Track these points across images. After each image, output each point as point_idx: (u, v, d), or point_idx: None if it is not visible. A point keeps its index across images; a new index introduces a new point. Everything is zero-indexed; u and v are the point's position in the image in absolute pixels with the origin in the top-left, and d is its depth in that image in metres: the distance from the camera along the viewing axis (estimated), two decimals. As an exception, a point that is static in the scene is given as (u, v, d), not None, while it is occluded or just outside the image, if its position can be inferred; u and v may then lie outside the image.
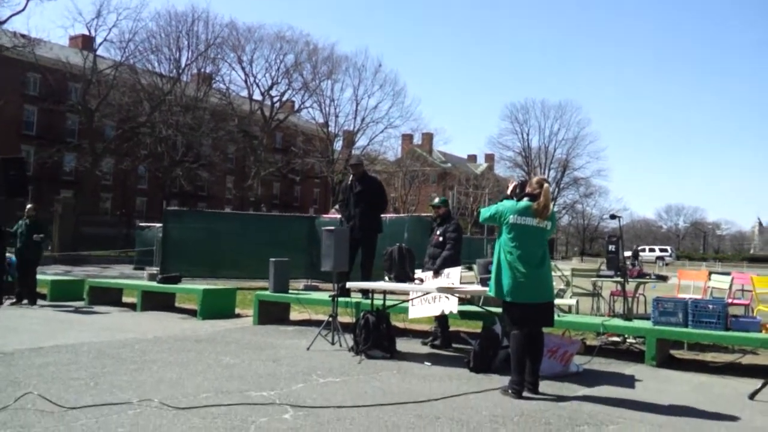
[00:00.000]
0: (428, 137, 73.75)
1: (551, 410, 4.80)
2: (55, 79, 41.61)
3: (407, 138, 69.60)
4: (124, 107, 42.30)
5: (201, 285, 11.70)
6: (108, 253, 31.04)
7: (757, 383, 5.46)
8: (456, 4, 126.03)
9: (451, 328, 7.82)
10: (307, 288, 14.55)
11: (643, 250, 55.19)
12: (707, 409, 4.97)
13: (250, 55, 50.13)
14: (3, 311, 10.30)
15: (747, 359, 7.16)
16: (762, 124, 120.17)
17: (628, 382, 5.90)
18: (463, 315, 7.57)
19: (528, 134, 75.83)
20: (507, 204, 5.54)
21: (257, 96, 51.51)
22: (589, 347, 7.11)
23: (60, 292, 12.21)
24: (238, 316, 10.34)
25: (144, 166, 48.02)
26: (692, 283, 9.94)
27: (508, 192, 5.74)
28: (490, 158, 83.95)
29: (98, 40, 40.66)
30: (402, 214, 30.78)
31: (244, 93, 51.39)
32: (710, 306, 6.66)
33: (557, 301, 7.44)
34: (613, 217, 8.52)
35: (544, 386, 5.38)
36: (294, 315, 10.08)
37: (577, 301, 9.01)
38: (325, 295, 9.15)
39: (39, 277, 11.87)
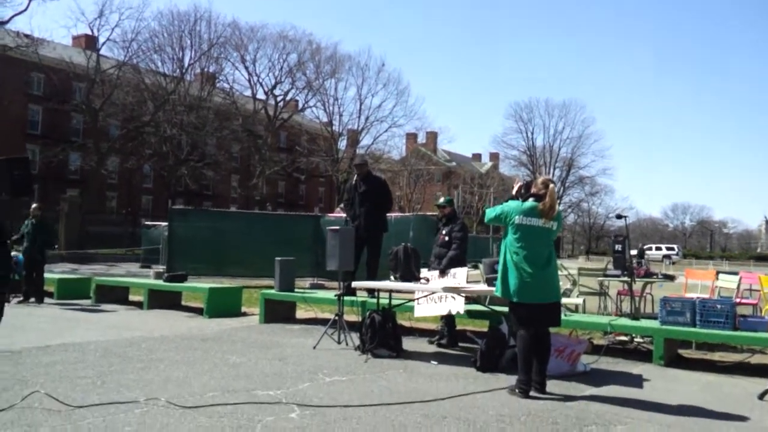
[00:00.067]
0: (432, 136, 73.69)
1: (558, 410, 4.78)
2: (59, 78, 41.66)
3: (411, 137, 69.53)
4: (128, 107, 42.34)
5: (207, 284, 11.72)
6: (114, 251, 31.12)
7: (766, 383, 5.44)
8: (459, 2, 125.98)
9: (458, 327, 7.80)
10: (313, 286, 14.56)
11: (650, 249, 55.08)
12: (716, 409, 4.94)
13: (253, 55, 50.18)
14: (10, 309, 10.27)
15: (756, 359, 7.12)
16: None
17: (636, 381, 5.88)
18: (470, 314, 7.56)
19: (532, 133, 75.76)
20: (512, 204, 5.52)
21: (261, 95, 51.57)
22: (596, 347, 7.10)
23: (67, 291, 12.25)
24: (245, 314, 10.35)
25: (149, 165, 48.09)
26: (699, 282, 9.90)
27: (514, 192, 5.72)
28: (494, 157, 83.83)
29: (101, 39, 40.69)
30: (407, 213, 30.77)
31: (248, 92, 51.43)
32: (718, 306, 6.63)
33: (564, 300, 7.41)
34: (619, 217, 8.49)
35: (552, 386, 5.36)
36: (300, 313, 10.08)
37: (584, 301, 8.98)
38: (330, 294, 9.15)
39: (46, 275, 11.91)
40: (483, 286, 7.07)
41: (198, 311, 10.45)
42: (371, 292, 8.26)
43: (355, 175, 9.34)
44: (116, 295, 11.98)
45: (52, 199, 33.88)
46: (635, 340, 7.69)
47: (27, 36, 36.16)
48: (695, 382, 6.00)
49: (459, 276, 7.08)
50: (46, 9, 49.46)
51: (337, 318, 7.51)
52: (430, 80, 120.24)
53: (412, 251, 7.57)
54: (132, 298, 12.11)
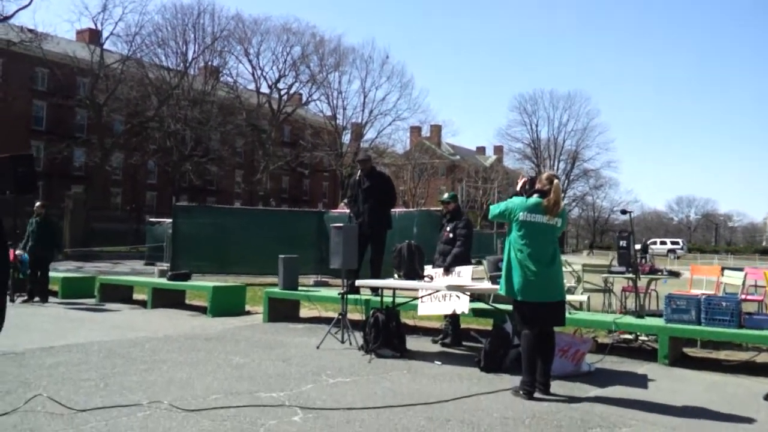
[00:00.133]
0: (437, 129, 73.52)
1: (563, 412, 4.75)
2: (63, 73, 41.70)
3: (415, 130, 69.43)
4: (132, 101, 42.37)
5: (211, 282, 11.71)
6: (119, 248, 31.19)
7: (771, 383, 5.40)
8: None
9: (462, 326, 7.78)
10: (317, 284, 14.56)
11: (654, 243, 54.93)
12: (721, 410, 4.91)
13: (256, 48, 50.12)
14: (15, 309, 10.32)
15: (762, 357, 7.07)
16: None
17: (641, 381, 5.85)
18: (474, 312, 7.53)
19: (537, 125, 75.42)
20: (516, 201, 5.48)
21: (264, 89, 51.52)
22: (601, 345, 7.06)
23: (71, 290, 12.26)
24: (248, 313, 10.35)
25: (153, 160, 48.15)
26: (705, 278, 9.85)
27: (518, 188, 5.68)
28: (499, 150, 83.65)
29: (105, 34, 40.70)
30: (411, 209, 30.75)
31: (252, 86, 51.43)
32: (723, 303, 6.59)
33: (568, 298, 7.38)
34: (624, 212, 8.46)
35: (556, 386, 5.34)
36: (304, 312, 10.07)
37: (589, 298, 8.94)
38: (334, 292, 9.13)
39: (50, 274, 11.91)
40: (487, 284, 7.04)
41: (202, 310, 10.45)
42: (375, 290, 8.24)
43: (359, 171, 9.31)
44: (120, 293, 11.99)
45: (56, 196, 34.03)
46: (640, 338, 7.65)
47: (31, 31, 36.16)
48: (700, 381, 5.96)
49: (464, 274, 7.05)
50: (50, 3, 49.69)
51: (340, 317, 7.49)
52: (434, 73, 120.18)
53: (416, 249, 7.55)
54: (136, 296, 12.12)
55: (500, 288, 5.49)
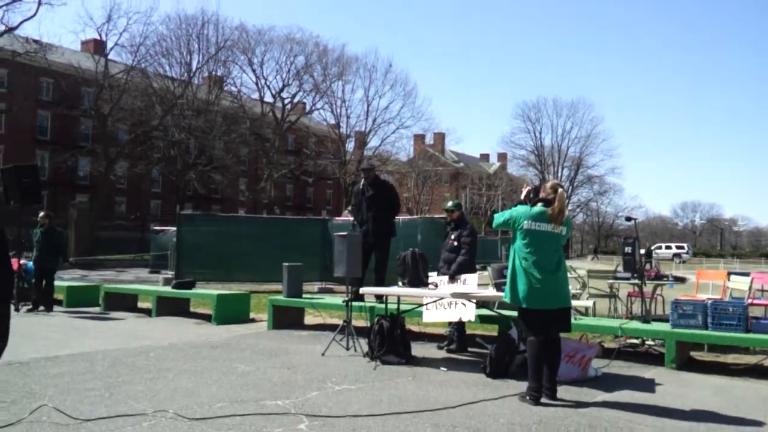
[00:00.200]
0: (440, 137, 73.64)
1: (570, 417, 4.73)
2: (67, 84, 41.88)
3: (419, 138, 69.49)
4: (137, 111, 42.51)
5: (215, 290, 11.71)
6: (124, 257, 31.22)
7: (780, 387, 5.36)
8: (465, 2, 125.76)
9: (467, 332, 7.75)
10: (322, 291, 14.56)
11: (660, 248, 54.77)
12: (729, 414, 4.88)
13: (260, 58, 50.30)
14: (20, 318, 10.32)
15: (769, 361, 7.03)
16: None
17: (648, 386, 5.81)
18: (479, 318, 7.50)
19: (540, 133, 75.54)
20: (521, 209, 5.46)
21: (268, 98, 51.68)
22: (607, 350, 7.03)
23: (76, 299, 12.26)
24: (253, 320, 10.33)
25: (157, 169, 48.26)
26: (711, 282, 9.81)
27: (522, 197, 5.67)
28: (502, 157, 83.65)
29: (109, 44, 40.83)
30: (415, 216, 30.73)
31: (256, 95, 51.56)
32: (730, 308, 6.55)
33: (574, 303, 7.34)
34: (628, 219, 8.45)
35: (563, 392, 5.31)
36: (308, 319, 10.06)
37: (594, 303, 8.90)
38: (339, 299, 9.12)
39: (56, 283, 11.92)
40: (492, 291, 7.02)
41: (206, 318, 10.45)
42: (379, 297, 8.23)
43: (362, 180, 9.31)
44: (125, 302, 11.99)
45: (61, 205, 34.08)
46: (647, 342, 7.62)
47: (36, 42, 36.33)
48: (708, 386, 5.92)
49: (470, 282, 7.02)
50: (54, 15, 49.79)
51: (345, 324, 7.48)
52: (437, 81, 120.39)
53: (420, 256, 7.53)
54: (141, 305, 12.12)
55: (505, 296, 5.48)
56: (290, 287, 9.35)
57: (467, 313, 6.80)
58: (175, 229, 18.03)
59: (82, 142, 46.51)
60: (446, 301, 7.02)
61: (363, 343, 7.17)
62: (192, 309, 11.60)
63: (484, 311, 7.41)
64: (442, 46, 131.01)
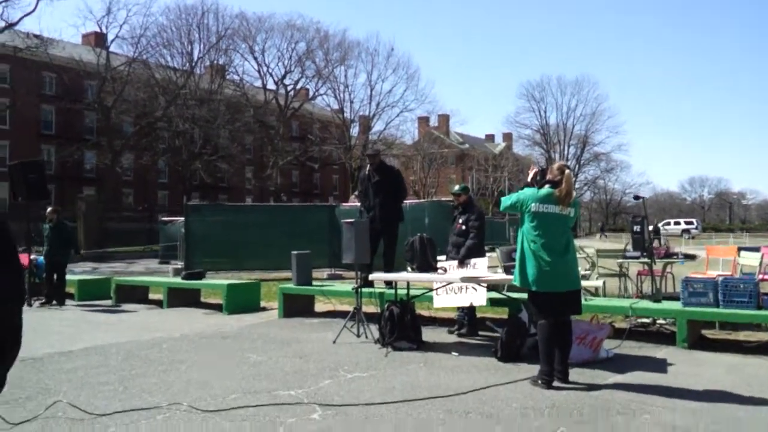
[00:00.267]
0: (444, 119, 73.35)
1: (583, 400, 4.73)
2: (70, 77, 41.90)
3: (423, 121, 69.27)
4: (140, 103, 42.55)
5: (225, 279, 11.75)
6: (134, 249, 31.37)
7: (793, 364, 5.34)
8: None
9: (477, 315, 7.75)
10: (331, 277, 14.59)
11: (668, 224, 54.58)
12: (743, 393, 4.86)
13: (261, 45, 50.21)
14: (32, 313, 10.40)
15: (781, 337, 7.01)
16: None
17: (660, 366, 5.80)
18: (489, 301, 7.49)
19: (545, 111, 75.20)
20: (528, 192, 5.43)
21: (271, 85, 51.62)
22: (618, 330, 7.02)
23: (88, 292, 12.34)
24: (264, 309, 10.37)
25: (163, 160, 48.36)
26: (721, 258, 9.77)
27: (529, 179, 5.63)
28: (508, 137, 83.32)
29: (110, 36, 40.86)
30: (422, 199, 30.68)
31: (258, 83, 51.46)
32: (741, 285, 6.52)
33: (584, 283, 7.33)
34: (636, 198, 8.40)
35: (575, 374, 5.31)
36: (319, 306, 10.08)
37: (604, 283, 8.88)
38: (348, 285, 9.13)
39: (67, 276, 11.99)
40: (501, 275, 7.00)
41: (217, 308, 10.49)
42: (389, 283, 8.23)
43: (368, 166, 9.28)
44: (136, 294, 12.06)
45: (69, 199, 34.24)
46: (658, 322, 7.60)
47: (37, 36, 36.34)
48: (720, 364, 5.91)
49: (479, 266, 7.01)
50: (54, 9, 49.89)
51: (355, 311, 7.49)
52: (439, 63, 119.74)
53: (428, 241, 7.51)
54: (152, 296, 12.18)
55: (514, 279, 5.46)
56: (300, 275, 9.37)
57: (478, 297, 6.79)
58: (183, 219, 18.08)
59: (87, 135, 46.59)
60: (456, 286, 7.01)
61: (374, 330, 7.19)
62: (203, 299, 11.66)
63: (494, 294, 7.41)
64: (443, 28, 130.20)
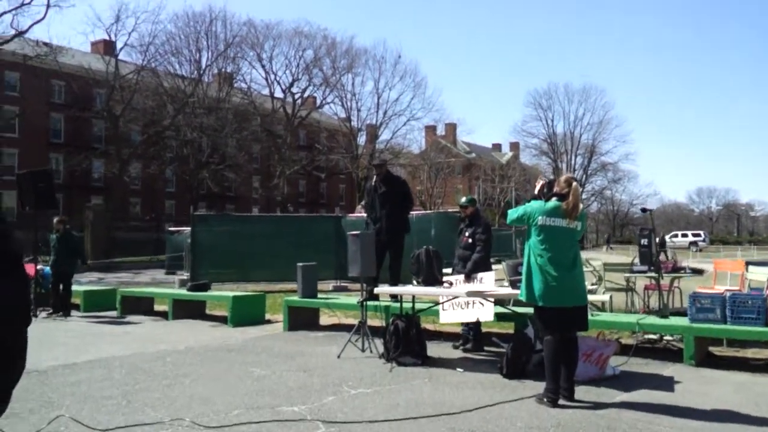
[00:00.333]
0: (451, 128, 73.36)
1: (589, 419, 4.68)
2: (79, 86, 42.17)
3: (430, 129, 69.27)
4: (148, 111, 42.76)
5: (231, 291, 11.73)
6: (140, 259, 31.41)
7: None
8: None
9: (483, 329, 7.70)
10: (336, 289, 14.57)
11: (676, 236, 54.33)
12: (751, 413, 4.80)
13: (269, 53, 50.44)
14: (38, 324, 10.40)
15: (790, 354, 6.93)
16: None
17: (668, 384, 5.74)
18: (495, 316, 7.44)
19: (552, 120, 75.00)
20: (535, 205, 5.39)
21: (278, 94, 51.82)
22: (625, 346, 6.96)
23: (93, 303, 12.33)
24: (269, 321, 10.34)
25: (171, 169, 48.53)
26: (729, 272, 9.70)
27: (536, 192, 5.60)
28: (515, 146, 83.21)
29: (119, 44, 41.15)
30: (428, 210, 30.64)
31: (266, 91, 51.65)
32: (749, 301, 6.46)
33: (590, 297, 7.28)
34: (644, 210, 8.35)
35: (581, 392, 5.26)
36: (324, 319, 10.05)
37: (611, 297, 8.82)
38: (354, 298, 9.10)
39: (73, 287, 12.00)
40: (507, 290, 6.96)
41: (222, 320, 10.47)
42: (394, 296, 8.19)
43: (375, 176, 9.26)
44: (142, 305, 12.05)
45: (77, 208, 34.37)
46: (665, 338, 7.53)
47: (46, 44, 36.62)
48: (728, 382, 5.84)
49: (486, 280, 6.96)
50: (63, 17, 50.30)
51: (360, 324, 7.45)
52: (447, 71, 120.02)
53: (434, 254, 7.49)
54: (157, 308, 12.17)
55: (520, 294, 5.42)
56: (305, 287, 9.34)
57: (485, 312, 6.75)
58: (189, 229, 18.12)
59: (96, 143, 46.83)
60: (463, 301, 6.97)
61: (378, 344, 7.14)
62: (208, 311, 11.64)
63: (500, 309, 7.36)
64: (450, 36, 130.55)
